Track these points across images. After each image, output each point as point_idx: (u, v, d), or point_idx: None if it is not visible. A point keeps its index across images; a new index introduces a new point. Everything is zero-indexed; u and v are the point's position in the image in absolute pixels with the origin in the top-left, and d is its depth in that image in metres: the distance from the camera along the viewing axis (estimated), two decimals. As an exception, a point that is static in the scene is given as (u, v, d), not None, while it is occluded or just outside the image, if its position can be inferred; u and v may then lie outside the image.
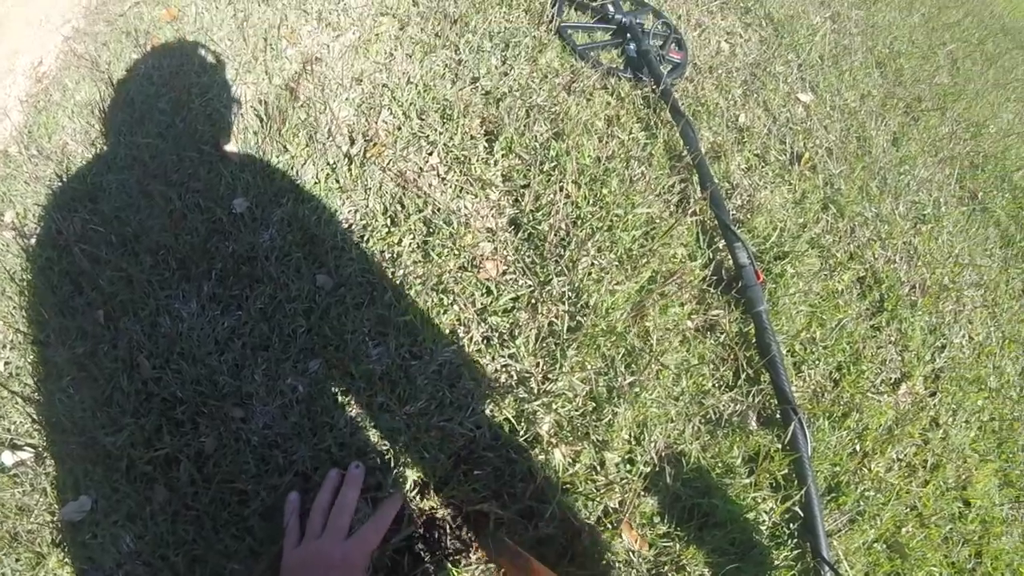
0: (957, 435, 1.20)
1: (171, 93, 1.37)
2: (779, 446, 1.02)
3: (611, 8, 1.46)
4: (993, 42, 2.43)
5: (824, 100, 1.55)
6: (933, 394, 1.24)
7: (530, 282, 1.00)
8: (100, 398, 0.99)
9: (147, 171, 1.25)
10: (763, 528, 0.96)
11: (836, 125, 1.50)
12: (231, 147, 1.22)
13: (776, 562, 0.94)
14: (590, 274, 1.02)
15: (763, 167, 1.33)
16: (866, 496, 1.05)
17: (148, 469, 0.92)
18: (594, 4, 1.50)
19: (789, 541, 0.95)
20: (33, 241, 1.24)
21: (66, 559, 0.91)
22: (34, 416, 1.03)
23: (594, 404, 0.95)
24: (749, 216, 1.21)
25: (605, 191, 1.10)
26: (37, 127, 1.51)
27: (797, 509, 0.96)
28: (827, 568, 0.92)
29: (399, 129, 1.16)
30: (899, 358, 1.24)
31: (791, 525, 0.96)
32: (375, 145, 1.12)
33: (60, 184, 1.31)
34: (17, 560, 0.92)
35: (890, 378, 1.21)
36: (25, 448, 1.02)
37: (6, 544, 0.93)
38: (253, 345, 1.00)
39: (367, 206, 1.08)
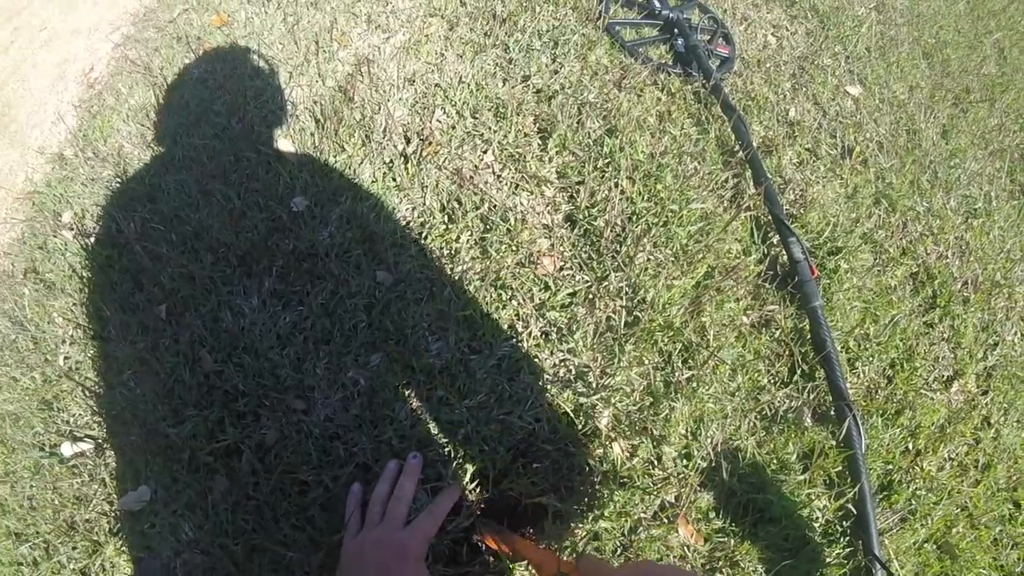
0: (1009, 435, 1.18)
1: (226, 96, 1.40)
2: (833, 443, 1.02)
3: (657, 3, 1.46)
4: (1041, 30, 2.36)
5: (873, 93, 1.53)
6: (985, 392, 1.22)
7: (587, 277, 1.02)
8: (161, 391, 1.03)
9: (205, 171, 1.28)
10: (816, 525, 0.96)
11: (886, 118, 1.49)
12: (288, 147, 1.25)
13: (828, 559, 0.94)
14: (646, 269, 1.03)
15: (814, 161, 1.32)
16: (917, 495, 1.05)
17: (209, 460, 0.95)
18: (640, 0, 1.51)
19: (841, 539, 0.96)
20: (92, 240, 1.29)
21: (123, 547, 0.95)
22: (95, 408, 1.07)
23: (651, 399, 0.96)
24: (802, 211, 1.21)
25: (659, 187, 1.11)
26: (92, 131, 1.56)
27: (850, 506, 0.96)
28: (879, 566, 0.92)
29: (453, 128, 1.18)
30: (952, 355, 1.22)
31: (844, 523, 0.97)
32: (430, 144, 1.15)
33: (118, 185, 1.35)
34: (74, 548, 0.96)
35: (943, 375, 1.19)
36: (85, 439, 1.06)
37: (63, 533, 0.98)
38: (315, 339, 1.03)
39: (424, 204, 1.10)
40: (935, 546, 1.03)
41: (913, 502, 1.04)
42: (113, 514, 0.98)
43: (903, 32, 1.80)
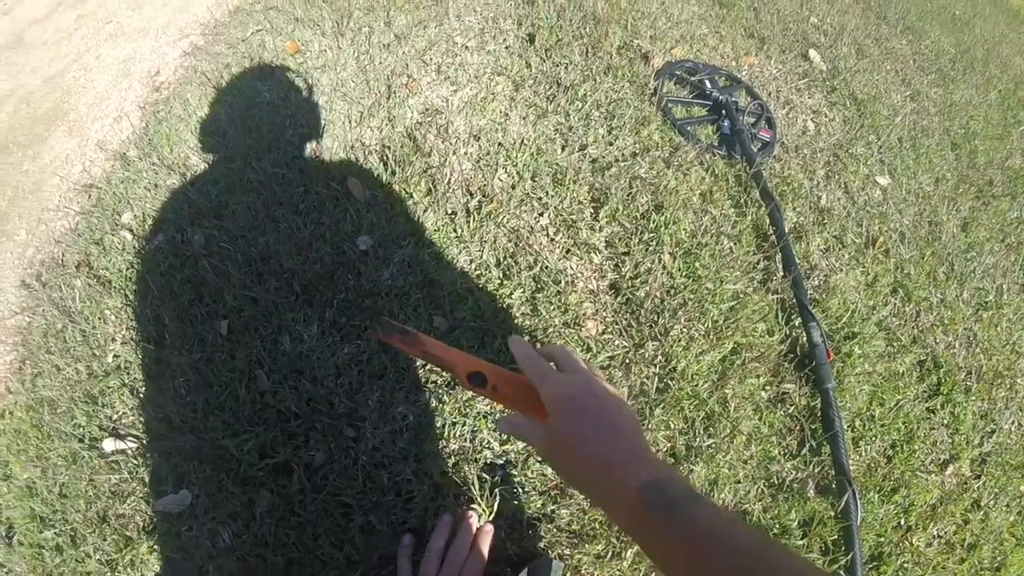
0: (997, 518, 1.25)
1: (299, 127, 1.49)
2: (832, 514, 1.11)
3: (708, 84, 1.56)
4: (1069, 123, 2.43)
5: (900, 184, 1.63)
6: (978, 477, 1.30)
7: (625, 344, 1.12)
8: (214, 403, 1.08)
9: (275, 197, 1.35)
10: (810, 588, 1.06)
11: (910, 209, 1.58)
12: (357, 187, 1.33)
13: (819, 621, 1.04)
14: (679, 341, 1.13)
15: (840, 249, 1.42)
16: (905, 568, 1.13)
17: (258, 474, 1.01)
18: (692, 79, 1.61)
19: (833, 603, 1.03)
20: (154, 246, 1.32)
21: (156, 546, 0.98)
22: (142, 410, 1.11)
23: (674, 460, 1.06)
24: (824, 296, 1.31)
25: (698, 264, 1.21)
26: (158, 136, 1.59)
27: (842, 573, 1.04)
28: (866, 632, 1.01)
29: (513, 188, 1.29)
30: (949, 440, 1.30)
31: (836, 589, 1.04)
32: (491, 201, 1.25)
33: (184, 196, 1.39)
34: (104, 540, 0.99)
35: (939, 459, 1.27)
36: (129, 438, 1.10)
37: (94, 524, 1.01)
38: (370, 373, 1.10)
39: (482, 258, 1.20)
40: (918, 618, 1.12)
41: (900, 574, 1.12)
42: (149, 513, 1.01)
43: (935, 122, 1.89)
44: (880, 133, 1.73)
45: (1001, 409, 1.40)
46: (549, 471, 1.03)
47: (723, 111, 1.51)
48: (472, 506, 0.98)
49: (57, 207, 1.59)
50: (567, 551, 0.98)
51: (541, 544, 0.98)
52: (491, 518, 0.98)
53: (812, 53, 1.90)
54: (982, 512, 1.25)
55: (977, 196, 1.76)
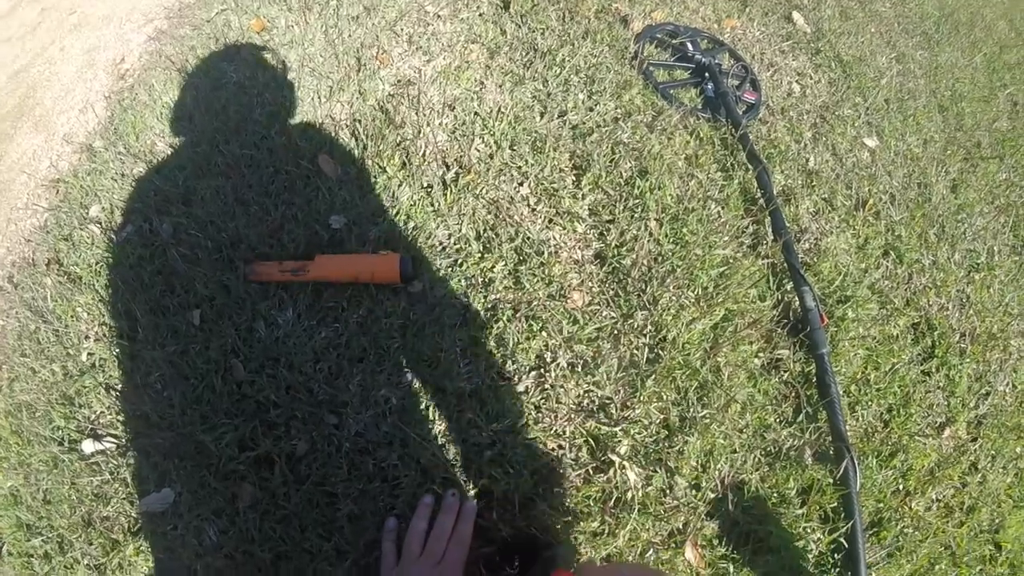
0: (994, 480, 1.24)
1: (266, 105, 1.42)
2: (830, 481, 1.08)
3: (690, 47, 1.51)
4: (1054, 85, 2.42)
5: (888, 146, 1.60)
6: (975, 439, 1.28)
7: (613, 314, 1.08)
8: (191, 396, 1.04)
9: (244, 180, 1.29)
10: (810, 556, 1.03)
11: (899, 171, 1.55)
12: (328, 164, 1.27)
13: (820, 589, 1.00)
14: (669, 309, 1.09)
15: (830, 212, 1.38)
16: (905, 533, 1.11)
17: (239, 468, 0.98)
18: (674, 43, 1.56)
19: (832, 570, 1.02)
20: (123, 237, 1.27)
21: (143, 547, 0.96)
22: (119, 408, 1.07)
23: (667, 432, 1.02)
24: (815, 260, 1.27)
25: (685, 230, 1.17)
26: (123, 125, 1.53)
27: (842, 540, 1.03)
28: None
29: (491, 158, 1.24)
30: (945, 403, 1.29)
31: (835, 555, 1.03)
32: (469, 172, 1.20)
33: (151, 185, 1.33)
34: (90, 544, 0.97)
35: (935, 422, 1.26)
36: (107, 438, 1.06)
37: (79, 529, 0.99)
38: (349, 357, 1.06)
39: (461, 231, 1.15)
40: (918, 582, 1.08)
41: (900, 539, 1.10)
42: (133, 514, 0.99)
43: (921, 84, 1.86)
44: (866, 95, 1.69)
45: (995, 371, 1.38)
46: (539, 448, 0.99)
47: (706, 74, 1.47)
48: (453, 486, 0.94)
49: (26, 205, 1.53)
50: (561, 529, 0.94)
51: (536, 524, 0.95)
52: (474, 497, 0.94)
53: (795, 15, 1.86)
54: (980, 475, 1.24)
55: (966, 158, 1.74)
